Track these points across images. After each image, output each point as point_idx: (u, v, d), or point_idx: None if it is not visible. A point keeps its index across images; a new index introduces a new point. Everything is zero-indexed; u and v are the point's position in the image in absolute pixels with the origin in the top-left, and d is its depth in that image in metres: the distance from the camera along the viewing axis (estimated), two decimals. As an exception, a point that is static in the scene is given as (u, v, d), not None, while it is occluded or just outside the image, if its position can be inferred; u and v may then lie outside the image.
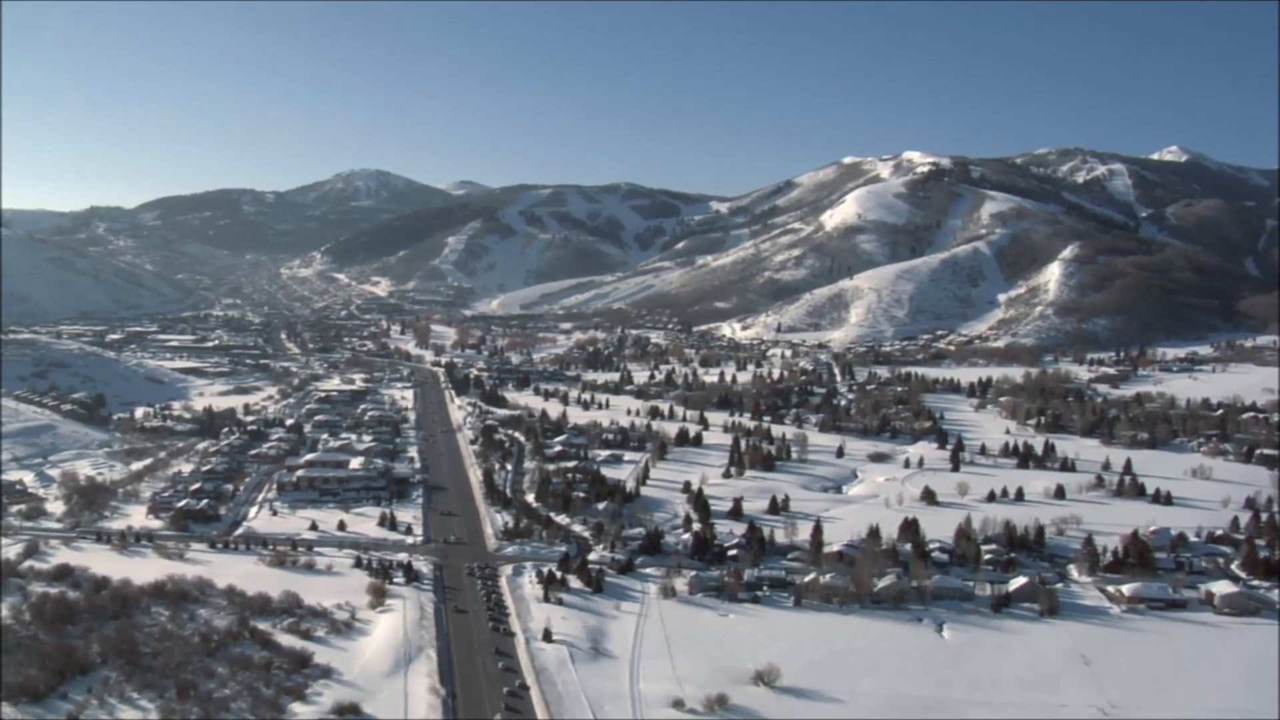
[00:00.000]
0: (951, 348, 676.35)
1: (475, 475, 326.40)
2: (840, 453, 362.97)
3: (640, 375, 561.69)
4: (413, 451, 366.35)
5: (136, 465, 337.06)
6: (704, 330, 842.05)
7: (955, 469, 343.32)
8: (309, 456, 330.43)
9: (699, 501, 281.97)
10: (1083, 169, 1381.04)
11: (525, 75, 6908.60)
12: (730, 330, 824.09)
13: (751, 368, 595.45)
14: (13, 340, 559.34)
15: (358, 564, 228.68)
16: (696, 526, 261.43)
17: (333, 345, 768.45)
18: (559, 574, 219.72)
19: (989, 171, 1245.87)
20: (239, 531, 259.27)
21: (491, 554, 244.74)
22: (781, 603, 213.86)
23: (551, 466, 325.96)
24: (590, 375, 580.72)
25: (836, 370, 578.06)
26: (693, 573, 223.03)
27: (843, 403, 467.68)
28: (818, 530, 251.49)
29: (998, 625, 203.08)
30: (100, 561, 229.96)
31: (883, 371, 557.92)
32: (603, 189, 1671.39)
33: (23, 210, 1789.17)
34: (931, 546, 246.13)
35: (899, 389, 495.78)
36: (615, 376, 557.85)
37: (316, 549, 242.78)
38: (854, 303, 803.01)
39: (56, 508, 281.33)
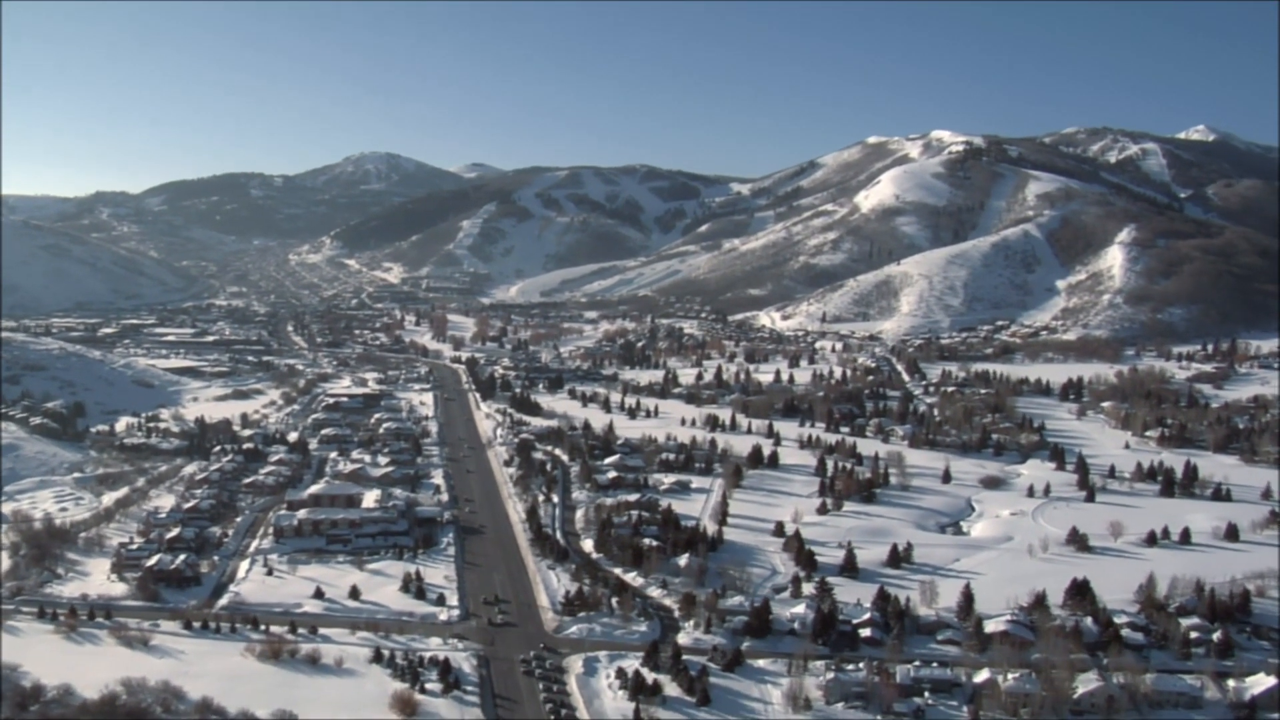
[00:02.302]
0: (1017, 340, 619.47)
1: (516, 510, 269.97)
2: (946, 476, 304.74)
3: (685, 374, 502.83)
4: (437, 476, 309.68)
5: (108, 498, 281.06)
6: (740, 320, 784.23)
7: (1089, 498, 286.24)
8: (314, 489, 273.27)
9: (801, 552, 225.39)
10: (1114, 148, 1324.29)
11: (535, 55, 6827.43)
12: (769, 320, 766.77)
13: (805, 364, 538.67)
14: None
15: (377, 657, 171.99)
16: (809, 589, 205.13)
17: (342, 339, 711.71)
18: (648, 675, 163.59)
19: (1026, 151, 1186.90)
20: (223, 601, 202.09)
21: (551, 635, 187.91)
22: (952, 715, 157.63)
23: (609, 500, 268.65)
24: (629, 374, 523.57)
25: (900, 368, 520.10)
26: (829, 673, 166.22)
27: (921, 408, 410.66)
28: (968, 598, 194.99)
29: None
30: (38, 652, 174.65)
31: (954, 369, 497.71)
32: (620, 170, 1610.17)
33: (26, 196, 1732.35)
34: (1118, 620, 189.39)
35: (982, 392, 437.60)
36: (658, 376, 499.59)
37: (322, 630, 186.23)
38: (903, 290, 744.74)
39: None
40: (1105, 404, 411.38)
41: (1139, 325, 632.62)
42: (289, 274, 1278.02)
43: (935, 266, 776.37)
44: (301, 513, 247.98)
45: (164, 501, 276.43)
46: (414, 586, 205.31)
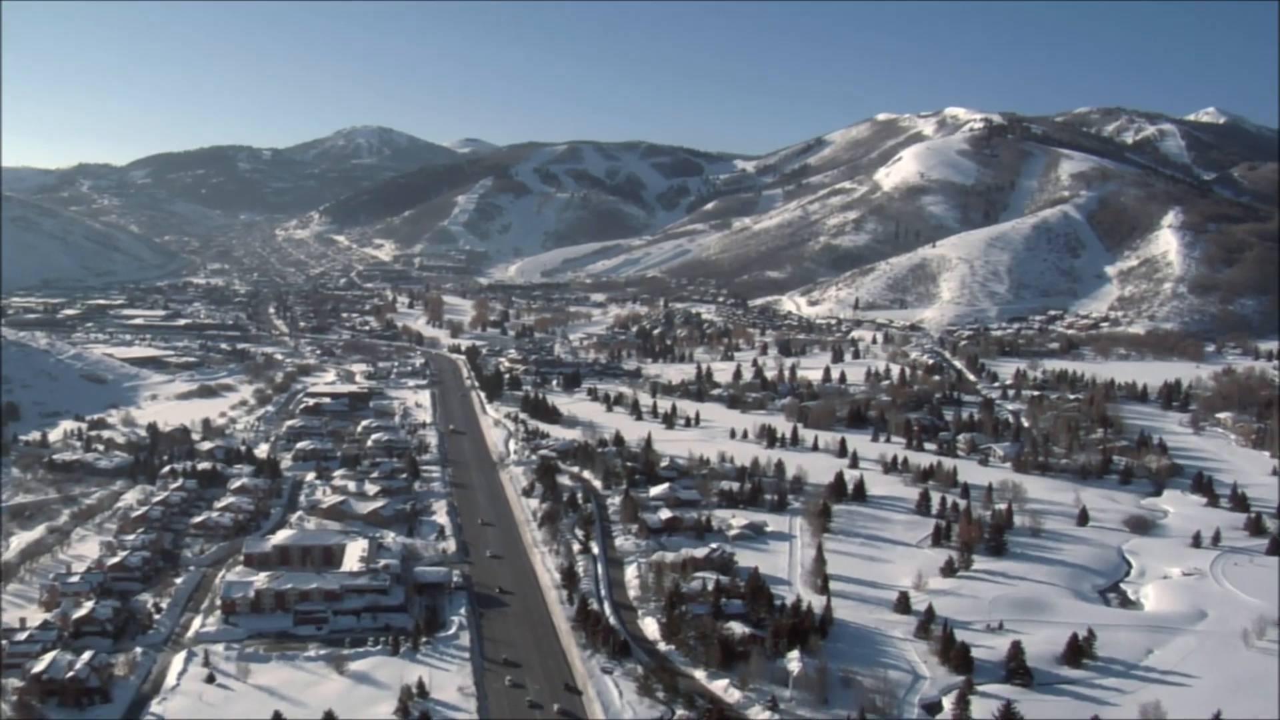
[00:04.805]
0: (1079, 333, 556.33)
1: (545, 565, 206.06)
2: (1083, 518, 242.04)
3: (719, 369, 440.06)
4: (440, 510, 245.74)
5: (16, 543, 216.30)
6: (762, 304, 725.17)
7: (1274, 549, 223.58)
8: (280, 537, 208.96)
9: (948, 647, 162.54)
10: (1129, 129, 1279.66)
11: (531, 28, 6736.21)
12: (794, 305, 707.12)
13: (849, 358, 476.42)
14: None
15: None
16: (981, 711, 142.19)
17: (328, 323, 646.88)
18: None
19: (1048, 130, 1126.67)
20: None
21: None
22: None
23: (669, 555, 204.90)
24: (652, 368, 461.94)
25: (960, 364, 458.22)
26: None
27: (1007, 417, 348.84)
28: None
29: None
30: None
31: (1023, 367, 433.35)
32: (620, 146, 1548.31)
33: (6, 167, 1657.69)
34: None
35: (1071, 397, 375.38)
36: (687, 371, 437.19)
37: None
38: (942, 275, 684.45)
39: None
40: (1221, 414, 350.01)
41: (1209, 318, 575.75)
42: (275, 250, 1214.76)
43: (975, 249, 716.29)
44: (261, 577, 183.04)
45: (87, 548, 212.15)
46: (416, 711, 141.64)
